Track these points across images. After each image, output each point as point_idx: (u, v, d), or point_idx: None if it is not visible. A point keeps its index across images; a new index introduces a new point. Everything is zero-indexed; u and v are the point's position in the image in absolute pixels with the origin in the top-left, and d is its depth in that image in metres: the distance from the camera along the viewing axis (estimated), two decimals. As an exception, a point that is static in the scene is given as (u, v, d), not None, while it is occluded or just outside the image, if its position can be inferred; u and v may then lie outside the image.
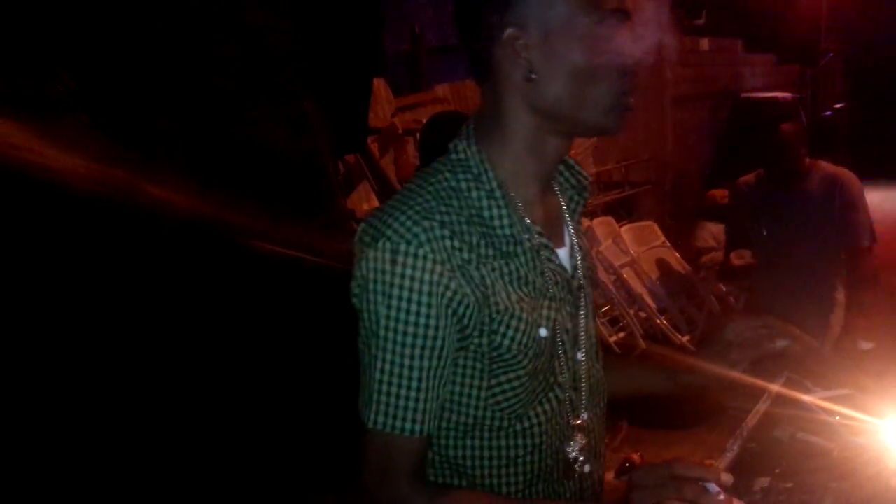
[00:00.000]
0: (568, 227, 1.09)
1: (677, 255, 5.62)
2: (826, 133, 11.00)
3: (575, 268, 1.07)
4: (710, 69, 9.13)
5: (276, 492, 2.38)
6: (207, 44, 2.42)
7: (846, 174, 3.06)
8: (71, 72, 2.09)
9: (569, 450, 1.06)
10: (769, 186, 3.06)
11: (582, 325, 1.06)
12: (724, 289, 5.56)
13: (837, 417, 1.17)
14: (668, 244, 5.77)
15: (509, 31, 0.95)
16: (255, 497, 2.37)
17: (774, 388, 1.21)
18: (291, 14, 2.65)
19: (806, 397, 1.29)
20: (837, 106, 11.92)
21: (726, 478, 0.79)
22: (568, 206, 1.10)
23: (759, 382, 1.19)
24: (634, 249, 5.27)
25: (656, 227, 5.66)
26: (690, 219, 6.70)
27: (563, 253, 1.06)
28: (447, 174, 1.00)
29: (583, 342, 1.06)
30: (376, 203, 4.71)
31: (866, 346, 5.23)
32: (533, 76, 0.96)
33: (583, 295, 1.07)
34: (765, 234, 2.96)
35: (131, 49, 2.27)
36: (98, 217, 1.97)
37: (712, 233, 6.02)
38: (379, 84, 5.38)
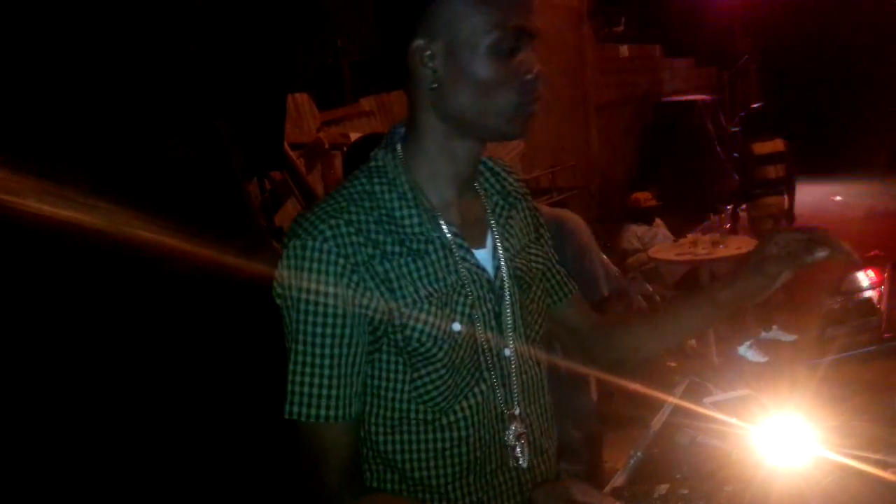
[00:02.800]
0: (492, 230, 1.12)
1: (605, 258, 5.74)
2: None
3: (497, 268, 1.10)
4: (630, 75, 9.37)
5: None
6: (112, 65, 2.36)
7: (571, 217, 2.57)
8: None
9: (505, 437, 1.09)
10: None
11: (509, 324, 1.10)
12: (651, 289, 5.72)
13: (734, 420, 1.22)
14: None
15: (417, 41, 1.01)
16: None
17: (677, 394, 1.25)
18: (199, 33, 2.61)
19: (705, 400, 1.35)
20: (754, 106, 12.38)
21: None
22: (493, 210, 1.14)
23: (662, 391, 1.23)
24: (563, 254, 5.36)
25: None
26: (616, 221, 6.85)
27: (483, 253, 1.10)
28: (363, 179, 1.06)
29: (511, 339, 1.10)
30: (304, 219, 4.66)
31: (788, 337, 5.46)
32: (435, 86, 1.02)
33: (506, 294, 1.10)
34: None
35: (33, 71, 2.20)
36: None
37: (637, 234, 6.16)
38: (303, 99, 5.33)
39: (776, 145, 5.96)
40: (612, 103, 8.68)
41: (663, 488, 1.10)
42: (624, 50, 9.14)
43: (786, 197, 5.95)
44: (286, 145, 4.51)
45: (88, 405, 2.19)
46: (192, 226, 2.27)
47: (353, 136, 5.40)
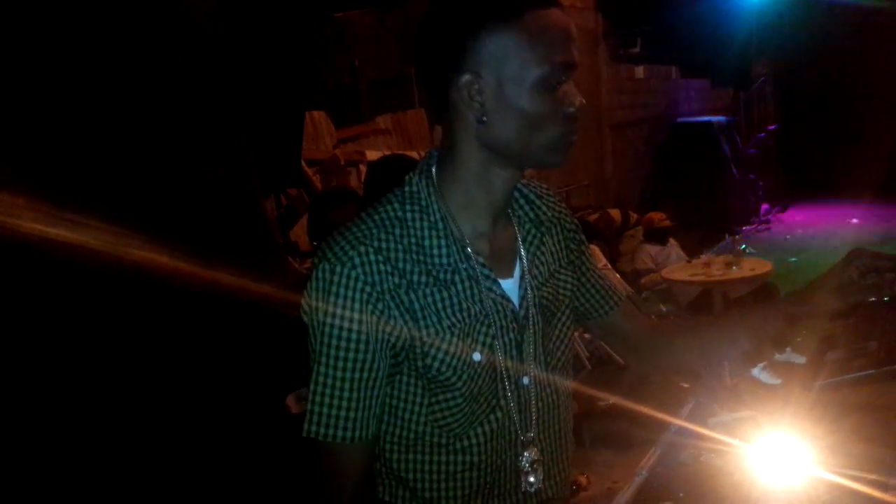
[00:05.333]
0: (521, 259, 1.13)
1: (618, 276, 5.75)
2: (761, 154, 11.39)
3: (523, 297, 1.11)
4: (646, 95, 9.39)
5: None
6: (133, 84, 2.41)
7: None
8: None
9: (520, 461, 1.11)
10: None
11: (530, 353, 1.11)
12: (665, 308, 5.71)
13: (737, 441, 1.23)
14: (610, 266, 5.90)
15: (466, 76, 1.02)
16: None
17: (683, 414, 1.26)
18: (220, 51, 2.67)
19: (710, 421, 1.36)
20: (770, 128, 12.34)
21: None
22: (525, 238, 1.15)
23: (667, 414, 1.24)
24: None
25: (598, 249, 5.78)
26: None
27: (509, 283, 1.11)
28: (396, 205, 1.08)
29: (530, 368, 1.11)
30: (319, 235, 4.71)
31: (799, 359, 5.44)
32: (485, 119, 1.03)
33: (529, 324, 1.11)
34: None
35: (54, 96, 2.25)
36: (23, 266, 1.95)
37: (651, 254, 6.16)
38: (320, 116, 5.40)
39: None
40: (627, 123, 8.70)
41: (666, 506, 1.12)
42: (639, 71, 9.17)
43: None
44: (303, 162, 4.57)
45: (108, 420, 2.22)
46: (209, 241, 2.31)
47: (369, 153, 5.46)
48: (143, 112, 2.40)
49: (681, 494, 1.19)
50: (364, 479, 1.07)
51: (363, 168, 5.37)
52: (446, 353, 1.03)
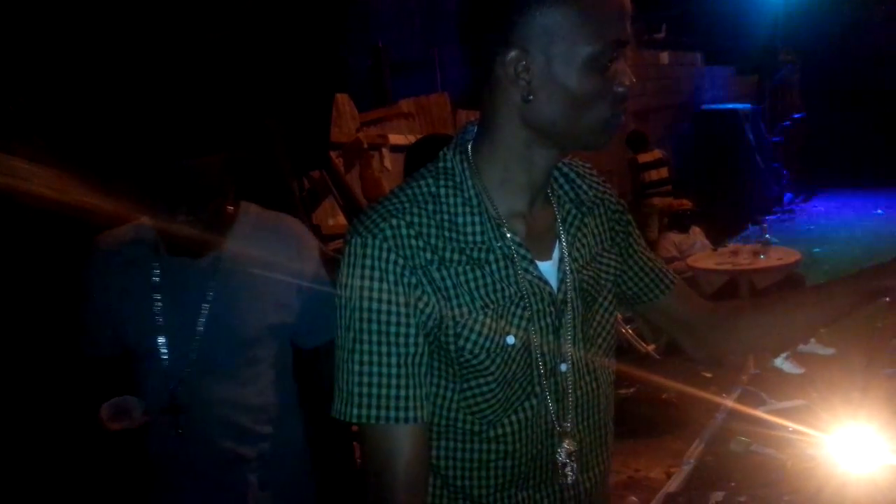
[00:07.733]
0: (560, 241, 1.08)
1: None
2: (786, 143, 11.27)
3: (562, 281, 1.06)
4: (670, 82, 9.28)
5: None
6: (166, 64, 2.40)
7: (299, 230, 1.68)
8: (24, 93, 2.06)
9: (557, 452, 1.06)
10: (157, 252, 1.58)
11: (568, 339, 1.06)
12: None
13: (791, 429, 1.19)
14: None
15: (513, 52, 0.96)
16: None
17: (730, 401, 1.22)
18: (251, 31, 2.64)
19: (760, 410, 1.32)
20: (796, 116, 12.19)
21: None
22: (564, 219, 1.10)
23: (716, 396, 1.20)
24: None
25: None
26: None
27: (548, 265, 1.06)
28: (430, 180, 1.03)
29: (568, 355, 1.06)
30: (342, 218, 4.69)
31: (825, 351, 5.35)
32: (530, 97, 0.97)
33: (568, 309, 1.06)
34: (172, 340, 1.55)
35: (88, 71, 2.24)
36: (56, 239, 1.94)
37: (674, 242, 6.10)
38: (343, 99, 5.37)
39: (654, 154, 7.47)
40: (651, 110, 8.61)
41: (719, 495, 1.08)
42: (664, 56, 9.06)
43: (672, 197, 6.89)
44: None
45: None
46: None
47: (392, 136, 5.42)
48: (176, 89, 2.38)
49: (732, 484, 1.15)
50: (420, 473, 0.99)
51: (385, 152, 5.34)
52: (479, 334, 0.98)
